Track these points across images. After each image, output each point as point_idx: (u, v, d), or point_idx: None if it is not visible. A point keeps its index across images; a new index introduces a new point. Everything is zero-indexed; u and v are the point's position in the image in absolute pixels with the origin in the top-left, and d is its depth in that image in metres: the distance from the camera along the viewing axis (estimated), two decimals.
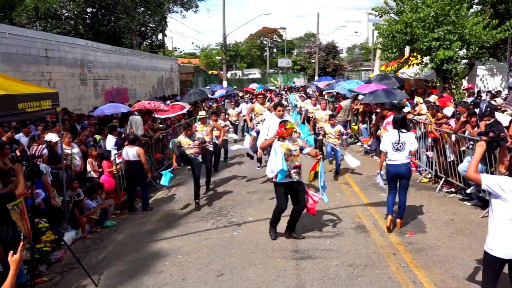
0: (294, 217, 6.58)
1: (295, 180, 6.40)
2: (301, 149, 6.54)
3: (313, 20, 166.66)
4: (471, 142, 7.64)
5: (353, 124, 14.62)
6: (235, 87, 34.47)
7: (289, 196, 6.53)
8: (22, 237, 5.82)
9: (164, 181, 8.77)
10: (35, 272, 5.66)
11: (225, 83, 34.24)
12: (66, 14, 29.41)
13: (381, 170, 7.16)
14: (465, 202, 7.93)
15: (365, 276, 5.27)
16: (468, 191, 7.77)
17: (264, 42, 74.26)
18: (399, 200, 6.82)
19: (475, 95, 14.40)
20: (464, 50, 15.09)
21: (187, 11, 34.72)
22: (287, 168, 6.23)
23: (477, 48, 14.71)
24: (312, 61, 49.33)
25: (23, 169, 5.19)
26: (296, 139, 6.75)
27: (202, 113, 10.43)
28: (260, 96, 12.28)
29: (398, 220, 6.80)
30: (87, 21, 30.14)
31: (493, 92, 14.16)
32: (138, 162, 8.55)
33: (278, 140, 6.42)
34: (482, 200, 7.53)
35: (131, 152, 8.57)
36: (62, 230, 7.24)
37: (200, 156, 8.80)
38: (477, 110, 8.22)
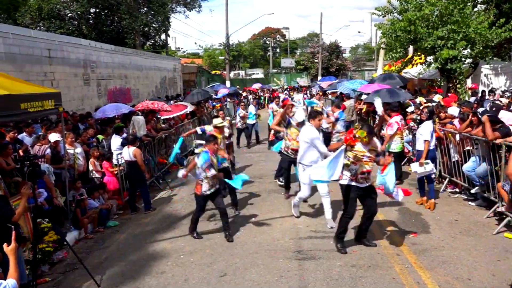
0: (362, 225, 6.23)
1: (362, 186, 5.97)
2: (377, 154, 6.04)
3: (316, 20, 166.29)
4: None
5: (357, 124, 14.51)
6: (238, 87, 34.46)
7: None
8: (25, 236, 5.86)
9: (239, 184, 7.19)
10: (37, 272, 5.66)
11: (228, 83, 34.23)
12: (70, 14, 29.46)
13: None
14: (470, 203, 7.87)
15: (369, 277, 5.23)
16: (473, 191, 7.71)
17: (267, 42, 74.17)
18: (430, 183, 7.80)
19: (479, 95, 14.33)
20: (468, 50, 15.01)
21: (190, 11, 34.72)
22: (354, 172, 5.89)
23: (481, 47, 14.62)
24: (315, 61, 49.25)
25: (28, 193, 5.16)
26: (376, 145, 6.10)
27: (218, 121, 8.27)
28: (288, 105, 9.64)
29: (432, 201, 7.74)
30: (91, 21, 30.19)
31: (500, 91, 14.07)
32: (135, 163, 8.53)
33: (346, 147, 5.93)
34: (486, 200, 7.47)
35: (129, 152, 8.56)
36: (65, 230, 7.24)
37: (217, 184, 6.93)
38: (481, 109, 8.15)
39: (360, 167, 5.89)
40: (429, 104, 9.93)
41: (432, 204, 7.69)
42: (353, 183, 5.92)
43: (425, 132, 7.75)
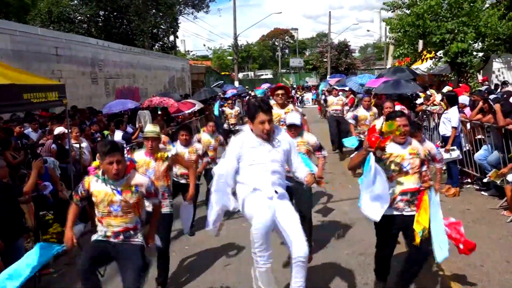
0: (403, 272, 4.14)
1: (407, 213, 3.94)
2: (435, 158, 4.38)
3: (325, 21, 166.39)
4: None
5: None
6: (247, 87, 34.41)
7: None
8: (28, 227, 5.81)
9: None
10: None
11: (236, 83, 34.20)
12: (79, 17, 29.74)
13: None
14: (482, 192, 7.68)
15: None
16: (485, 180, 7.50)
17: (276, 43, 74.14)
18: (454, 170, 7.80)
19: (492, 87, 14.08)
20: (479, 43, 14.79)
21: (198, 11, 34.81)
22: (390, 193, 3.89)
23: (492, 40, 14.39)
24: (324, 60, 49.01)
25: (40, 168, 5.16)
26: (417, 143, 4.13)
27: (152, 129, 4.93)
28: (280, 92, 6.38)
29: (457, 188, 7.74)
30: (100, 24, 30.43)
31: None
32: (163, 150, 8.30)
33: (375, 153, 3.80)
34: (499, 190, 7.26)
35: None
36: None
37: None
38: (492, 96, 8.00)
39: (397, 184, 3.94)
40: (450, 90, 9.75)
41: (457, 191, 7.69)
42: (389, 212, 3.89)
43: (454, 117, 7.65)
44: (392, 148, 3.90)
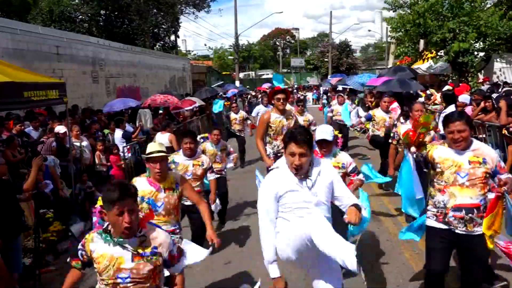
0: None
1: (460, 232, 3.35)
2: (491, 174, 3.35)
3: (326, 21, 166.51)
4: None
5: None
6: (248, 87, 34.43)
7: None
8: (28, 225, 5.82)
9: None
10: (42, 262, 5.62)
11: (237, 83, 34.22)
12: (81, 16, 29.76)
13: None
14: None
15: (378, 263, 5.10)
16: None
17: (277, 43, 74.13)
18: None
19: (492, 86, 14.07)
20: (481, 43, 14.81)
21: (199, 11, 34.80)
22: (443, 206, 3.41)
23: (493, 40, 14.39)
24: (326, 60, 48.99)
25: (40, 165, 5.17)
26: (484, 149, 3.43)
27: (158, 148, 3.80)
28: (281, 96, 5.68)
29: None
30: (101, 23, 30.45)
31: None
32: (170, 149, 8.15)
33: (410, 150, 3.66)
34: None
35: (162, 138, 8.42)
36: (71, 222, 7.21)
37: None
38: (495, 95, 7.99)
39: (450, 196, 3.35)
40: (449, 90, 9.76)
41: None
42: (439, 225, 3.44)
43: None
44: (446, 153, 3.36)
